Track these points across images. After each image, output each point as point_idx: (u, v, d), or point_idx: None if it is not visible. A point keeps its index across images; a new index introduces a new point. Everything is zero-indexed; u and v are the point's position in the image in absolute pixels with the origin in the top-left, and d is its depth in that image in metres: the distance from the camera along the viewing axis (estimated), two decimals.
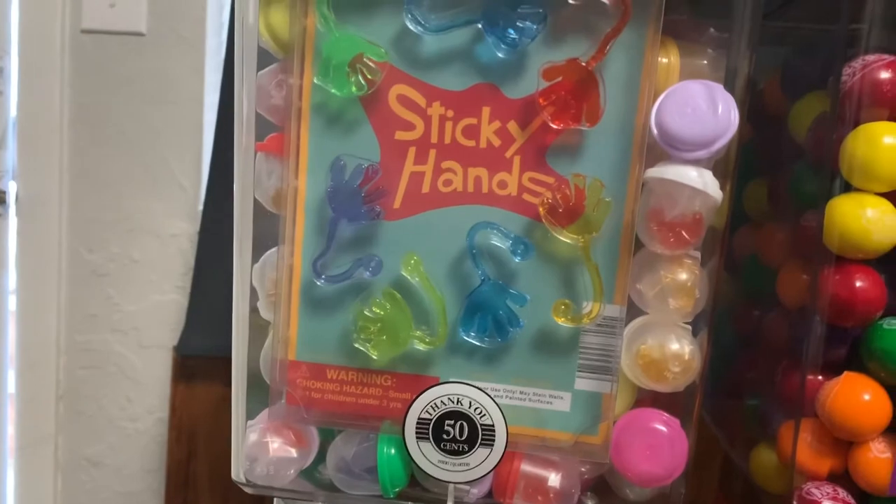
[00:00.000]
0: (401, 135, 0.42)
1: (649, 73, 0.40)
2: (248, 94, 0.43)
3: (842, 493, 0.44)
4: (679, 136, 0.39)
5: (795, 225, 0.49)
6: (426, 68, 0.41)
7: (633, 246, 0.41)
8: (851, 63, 0.43)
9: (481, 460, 0.41)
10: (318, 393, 0.44)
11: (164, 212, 0.93)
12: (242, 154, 0.44)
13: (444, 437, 0.41)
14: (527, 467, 0.43)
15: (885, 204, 0.43)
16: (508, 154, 0.42)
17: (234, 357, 0.46)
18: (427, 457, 0.42)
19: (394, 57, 0.41)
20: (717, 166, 0.40)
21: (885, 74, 0.43)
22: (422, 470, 0.42)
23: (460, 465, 0.41)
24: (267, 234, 0.44)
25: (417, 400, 0.41)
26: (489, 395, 0.41)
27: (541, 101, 0.40)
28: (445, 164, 0.42)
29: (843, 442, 0.45)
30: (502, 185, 0.42)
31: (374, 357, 0.43)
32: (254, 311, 0.45)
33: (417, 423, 0.41)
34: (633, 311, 0.43)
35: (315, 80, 0.42)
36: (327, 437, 0.46)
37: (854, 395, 0.44)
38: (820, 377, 0.45)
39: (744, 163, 0.42)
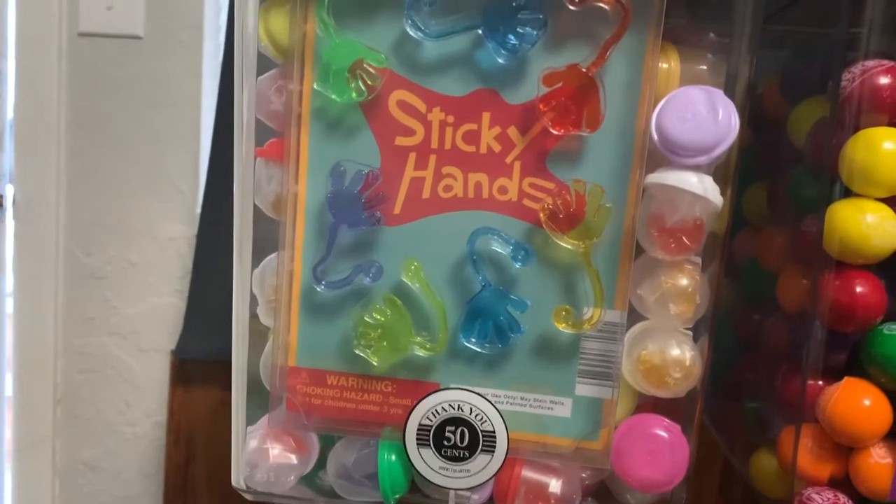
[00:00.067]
0: (401, 140, 0.42)
1: (649, 79, 0.40)
2: (248, 100, 0.43)
3: (842, 499, 0.44)
4: (679, 142, 0.39)
5: (795, 229, 0.49)
6: (426, 74, 0.41)
7: (634, 251, 0.41)
8: (851, 68, 0.43)
9: (482, 466, 0.41)
10: (318, 399, 0.44)
11: (161, 215, 0.93)
12: (242, 160, 0.43)
13: (445, 443, 0.41)
14: (528, 473, 0.43)
15: (885, 209, 0.43)
16: (509, 160, 0.41)
17: (234, 363, 0.46)
18: (428, 463, 0.42)
19: (394, 62, 0.41)
20: (718, 172, 0.40)
21: (884, 80, 0.43)
22: (423, 476, 0.42)
23: (461, 471, 0.41)
24: (267, 239, 0.44)
25: (418, 406, 0.41)
26: (490, 402, 0.41)
27: (541, 106, 0.40)
28: (446, 170, 0.42)
29: (843, 447, 0.45)
30: (503, 190, 0.42)
31: (375, 363, 0.43)
32: (254, 316, 0.45)
33: (418, 429, 0.41)
34: (634, 316, 0.43)
35: (315, 86, 0.42)
36: (327, 443, 0.46)
37: (854, 401, 0.44)
38: (820, 382, 0.45)
39: (743, 167, 0.42)
